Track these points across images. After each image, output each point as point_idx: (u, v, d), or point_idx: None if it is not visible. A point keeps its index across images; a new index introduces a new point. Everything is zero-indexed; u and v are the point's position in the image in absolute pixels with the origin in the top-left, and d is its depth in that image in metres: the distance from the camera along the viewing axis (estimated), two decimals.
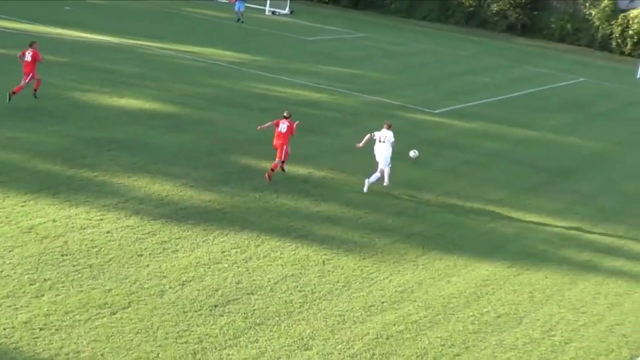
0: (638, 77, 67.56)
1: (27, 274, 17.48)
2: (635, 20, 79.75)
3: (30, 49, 32.49)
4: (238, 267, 19.55)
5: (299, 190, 26.01)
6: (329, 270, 20.12)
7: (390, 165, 27.35)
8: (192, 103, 36.02)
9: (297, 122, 27.28)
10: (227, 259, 19.86)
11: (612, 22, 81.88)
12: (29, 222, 20.37)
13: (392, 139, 27.64)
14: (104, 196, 22.93)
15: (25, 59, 32.24)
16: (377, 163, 27.45)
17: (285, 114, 27.49)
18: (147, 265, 18.86)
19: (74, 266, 18.25)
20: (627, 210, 29.28)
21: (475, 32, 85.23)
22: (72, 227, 20.48)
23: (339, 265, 20.51)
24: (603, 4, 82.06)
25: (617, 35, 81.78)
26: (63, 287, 17.16)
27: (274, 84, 43.16)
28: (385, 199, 26.50)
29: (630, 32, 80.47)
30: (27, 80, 32.02)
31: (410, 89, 47.07)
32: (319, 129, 34.22)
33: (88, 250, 19.15)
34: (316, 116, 36.67)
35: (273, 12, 78.14)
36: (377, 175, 27.24)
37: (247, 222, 22.56)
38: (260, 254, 20.51)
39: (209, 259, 19.73)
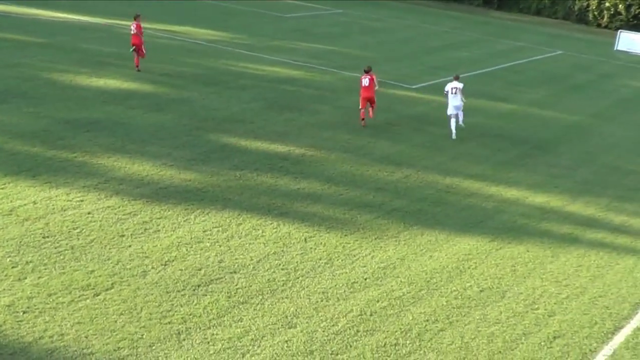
0: (615, 48, 67.79)
1: (8, 257, 17.39)
2: None
3: (134, 22, 36.93)
4: (220, 246, 19.52)
5: (279, 168, 25.94)
6: (311, 248, 20.12)
7: (462, 110, 32.06)
8: (170, 82, 35.81)
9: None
10: (208, 238, 19.82)
11: None
12: (9, 204, 20.24)
13: (461, 87, 32.15)
14: (84, 177, 22.81)
15: (132, 31, 36.76)
16: (449, 113, 32.14)
17: (365, 69, 32.09)
18: (129, 246, 18.80)
19: (55, 248, 18.18)
20: (606, 182, 29.39)
21: (452, 7, 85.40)
22: (53, 208, 20.37)
23: (321, 243, 20.51)
24: None
25: (594, 7, 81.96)
26: (45, 269, 17.10)
27: (252, 62, 42.97)
28: (365, 175, 26.49)
29: (607, 4, 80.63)
30: (140, 52, 36.61)
31: (389, 65, 46.96)
32: (297, 106, 34.14)
33: (69, 232, 19.06)
34: (294, 93, 36.59)
35: None
36: (454, 121, 31.96)
37: (227, 201, 22.52)
38: (241, 233, 20.48)
39: (191, 238, 19.69)
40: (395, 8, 78.16)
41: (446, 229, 22.58)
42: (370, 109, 32.24)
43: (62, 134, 26.57)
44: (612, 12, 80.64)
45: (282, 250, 19.73)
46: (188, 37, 48.12)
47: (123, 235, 19.35)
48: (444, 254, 20.87)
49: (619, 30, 71.58)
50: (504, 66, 52.24)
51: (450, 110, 32.19)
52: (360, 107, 32.00)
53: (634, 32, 71.96)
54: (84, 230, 19.32)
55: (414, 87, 41.08)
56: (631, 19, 79.42)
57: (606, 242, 23.33)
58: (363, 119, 31.89)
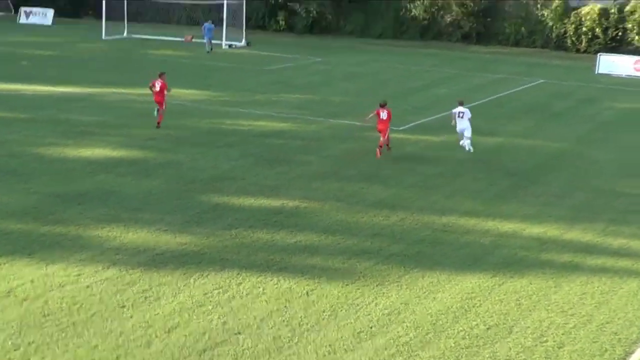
0: (596, 72, 68.26)
1: (10, 340, 17.18)
2: (588, 17, 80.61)
3: (159, 79, 38.66)
4: (222, 307, 19.36)
5: (274, 223, 25.87)
6: (313, 301, 19.99)
7: (470, 135, 35.87)
8: (157, 146, 35.85)
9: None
10: (210, 301, 19.67)
11: (565, 21, 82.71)
12: (6, 285, 20.07)
13: (469, 114, 36.17)
14: (80, 250, 22.69)
15: (155, 89, 38.56)
16: (461, 134, 36.08)
17: (381, 103, 35.25)
18: (131, 317, 18.62)
19: (57, 326, 17.96)
20: (598, 206, 29.37)
21: (431, 45, 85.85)
22: (51, 285, 20.22)
23: (323, 295, 20.38)
24: (554, 4, 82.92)
25: (571, 33, 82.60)
26: (48, 349, 16.88)
27: (236, 118, 43.12)
28: (360, 221, 26.43)
29: (584, 29, 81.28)
30: (162, 109, 38.74)
31: (373, 109, 47.03)
32: (285, 159, 34.18)
33: (69, 308, 18.89)
34: (281, 146, 36.65)
35: (230, 46, 78.41)
36: (464, 141, 35.94)
37: (225, 261, 22.39)
38: (242, 292, 20.33)
39: (192, 302, 19.53)
40: (373, 52, 78.68)
41: (447, 268, 22.49)
42: (384, 139, 35.22)
43: (54, 208, 26.48)
44: (589, 37, 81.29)
45: (285, 306, 19.59)
46: (171, 98, 48.12)
47: (124, 306, 19.18)
48: (447, 294, 20.75)
49: (599, 54, 72.16)
50: (487, 99, 52.47)
51: (459, 132, 36.40)
52: (381, 138, 35.04)
53: (613, 55, 72.57)
54: (84, 304, 19.14)
55: (400, 128, 41.14)
56: (609, 42, 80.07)
57: (607, 267, 23.26)
58: (381, 147, 34.80)
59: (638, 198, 30.83)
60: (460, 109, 36.37)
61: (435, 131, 41.03)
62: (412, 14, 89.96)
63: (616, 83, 63.65)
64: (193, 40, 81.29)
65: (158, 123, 38.93)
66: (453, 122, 36.65)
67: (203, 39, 76.51)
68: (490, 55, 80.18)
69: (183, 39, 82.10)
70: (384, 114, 34.63)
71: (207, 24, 76.98)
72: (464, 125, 36.02)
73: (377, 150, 34.62)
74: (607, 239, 25.65)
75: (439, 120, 44.10)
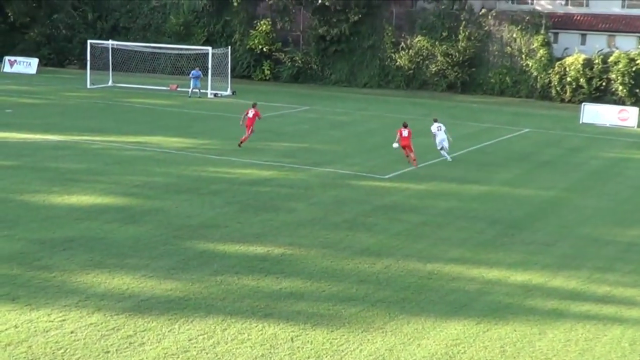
0: (581, 121, 68.84)
1: None
2: (572, 67, 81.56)
3: (252, 109, 48.27)
4: (207, 353, 19.28)
5: (259, 270, 25.85)
6: (298, 347, 19.92)
7: (447, 146, 46.43)
8: (143, 193, 35.93)
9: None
10: (194, 347, 19.59)
11: (550, 71, 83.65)
12: None
13: (444, 127, 47.03)
14: (64, 296, 22.62)
15: (248, 115, 47.98)
16: (441, 147, 46.56)
17: (404, 124, 45.10)
18: None
19: None
20: (585, 254, 29.45)
21: (417, 94, 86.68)
22: (35, 331, 20.12)
23: (308, 341, 20.32)
24: (539, 54, 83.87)
25: (556, 83, 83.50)
26: None
27: (222, 166, 43.26)
28: (346, 268, 26.43)
29: (568, 79, 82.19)
30: (249, 133, 48.12)
31: (359, 157, 47.44)
32: (272, 206, 34.25)
33: (54, 353, 18.78)
34: (268, 193, 36.72)
35: (215, 95, 78.90)
36: (443, 152, 46.48)
37: (211, 307, 22.35)
38: (227, 338, 20.27)
39: (177, 348, 19.45)
40: (360, 100, 79.34)
41: (432, 315, 22.47)
42: (411, 154, 44.33)
43: (39, 254, 26.44)
44: (573, 87, 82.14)
45: (270, 352, 19.52)
46: (157, 146, 48.43)
47: (108, 352, 19.08)
48: (431, 341, 20.72)
49: (583, 104, 72.84)
50: (473, 148, 52.80)
51: (438, 145, 46.57)
52: (405, 154, 44.38)
53: (597, 104, 73.29)
54: (68, 350, 19.04)
55: (386, 177, 41.36)
56: (593, 92, 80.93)
57: (591, 314, 23.27)
58: (414, 160, 44.42)
59: (624, 246, 30.94)
60: (437, 125, 46.86)
61: (419, 180, 41.23)
62: (397, 63, 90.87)
63: (601, 132, 64.18)
64: (178, 89, 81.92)
65: (241, 142, 48.42)
66: (433, 138, 47.29)
67: (189, 87, 77.24)
68: (476, 105, 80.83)
69: (168, 88, 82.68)
70: (405, 132, 44.14)
71: (194, 71, 77.91)
72: (442, 137, 46.47)
73: (411, 162, 44.62)
74: (592, 287, 25.70)
75: (424, 169, 44.35)
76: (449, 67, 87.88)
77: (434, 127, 46.80)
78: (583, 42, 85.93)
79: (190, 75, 77.95)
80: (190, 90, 76.86)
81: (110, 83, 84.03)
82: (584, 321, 22.59)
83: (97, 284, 23.85)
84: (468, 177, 42.41)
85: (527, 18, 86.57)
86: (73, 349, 19.12)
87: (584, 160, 50.42)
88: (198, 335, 20.30)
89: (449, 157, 46.43)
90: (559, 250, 29.83)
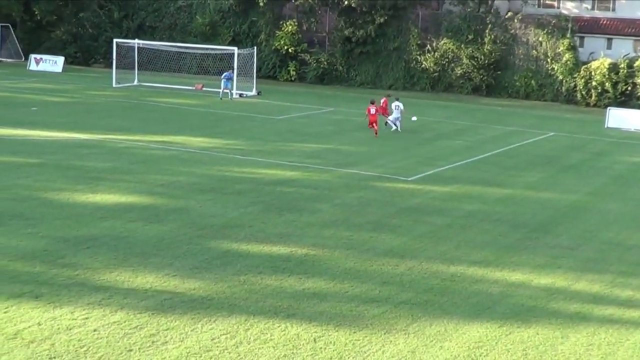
0: (606, 126, 68.44)
1: None
2: (597, 72, 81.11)
3: (372, 105, 55.78)
4: (229, 353, 19.32)
5: (283, 270, 25.88)
6: (320, 348, 19.93)
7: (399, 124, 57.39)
8: (167, 192, 36.04)
9: None
10: (217, 346, 19.64)
11: (575, 75, 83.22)
12: (13, 327, 20.11)
13: (402, 107, 58.12)
14: (88, 294, 22.74)
15: (371, 112, 55.17)
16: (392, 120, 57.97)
17: (371, 100, 56.61)
18: None
19: None
20: (608, 258, 29.27)
21: (442, 97, 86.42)
22: (58, 328, 20.24)
23: (330, 342, 20.32)
24: (565, 58, 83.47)
25: (581, 87, 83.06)
26: None
27: (247, 166, 43.31)
28: (369, 270, 26.40)
29: (594, 83, 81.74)
30: (376, 128, 55.60)
31: (384, 159, 47.39)
32: (296, 207, 34.26)
33: (76, 351, 18.89)
34: (292, 194, 36.75)
35: (241, 95, 79.01)
36: (393, 126, 57.80)
37: (234, 307, 22.39)
38: (250, 338, 20.30)
39: (199, 347, 19.50)
40: None
41: (454, 317, 22.41)
42: (375, 127, 55.88)
43: (63, 252, 26.59)
44: (599, 91, 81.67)
45: (292, 353, 19.53)
46: (182, 146, 48.58)
47: (131, 350, 19.16)
48: (454, 343, 20.67)
49: (608, 108, 72.42)
50: (498, 151, 52.66)
51: (392, 119, 58.32)
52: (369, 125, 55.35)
53: (622, 109, 72.83)
54: (91, 348, 19.13)
55: (410, 179, 41.29)
56: (619, 96, 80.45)
57: (615, 318, 23.12)
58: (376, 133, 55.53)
59: None
60: (396, 103, 57.97)
61: (444, 182, 41.11)
62: (423, 66, 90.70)
63: (626, 137, 63.78)
64: (203, 89, 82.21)
65: (376, 133, 55.51)
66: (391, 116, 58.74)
67: (219, 87, 77.40)
68: (501, 108, 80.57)
69: (194, 88, 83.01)
70: (372, 110, 54.76)
71: (227, 73, 78.12)
72: (396, 115, 57.96)
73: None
74: (615, 291, 25.54)
75: (449, 171, 44.28)
76: (475, 70, 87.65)
77: (393, 105, 58.12)
78: (609, 47, 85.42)
79: (223, 77, 78.11)
80: (221, 91, 77.01)
81: (135, 82, 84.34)
82: (606, 325, 22.47)
83: (120, 282, 23.96)
84: (492, 180, 42.26)
85: (554, 22, 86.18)
86: (96, 347, 19.21)
87: (609, 165, 50.12)
88: (221, 335, 20.34)
89: (397, 127, 58.62)
90: (582, 254, 29.65)
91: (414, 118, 59.73)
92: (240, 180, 39.07)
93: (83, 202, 33.61)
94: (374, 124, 55.22)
